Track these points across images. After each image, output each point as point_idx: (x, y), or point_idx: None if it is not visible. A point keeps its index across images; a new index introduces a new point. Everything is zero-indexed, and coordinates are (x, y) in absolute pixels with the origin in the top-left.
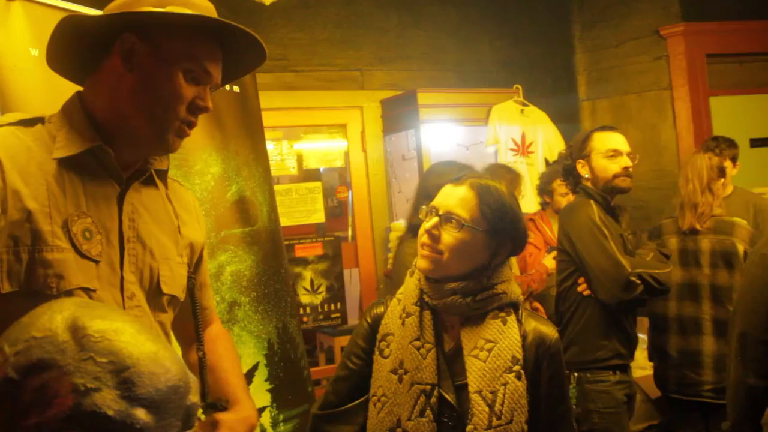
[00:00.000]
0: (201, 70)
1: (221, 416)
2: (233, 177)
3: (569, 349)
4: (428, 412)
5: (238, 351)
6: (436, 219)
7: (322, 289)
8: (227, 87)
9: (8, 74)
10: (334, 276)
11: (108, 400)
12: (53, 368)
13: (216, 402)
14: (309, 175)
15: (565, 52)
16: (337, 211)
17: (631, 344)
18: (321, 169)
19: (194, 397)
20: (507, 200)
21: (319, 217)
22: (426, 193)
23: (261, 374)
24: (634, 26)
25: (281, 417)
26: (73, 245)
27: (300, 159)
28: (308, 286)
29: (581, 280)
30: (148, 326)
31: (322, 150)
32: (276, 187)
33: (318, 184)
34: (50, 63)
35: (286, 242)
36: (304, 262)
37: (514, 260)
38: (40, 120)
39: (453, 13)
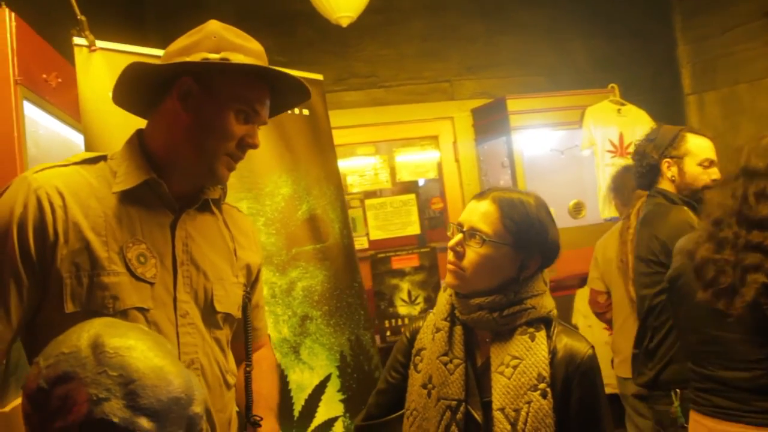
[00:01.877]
0: (251, 110)
1: None
2: (304, 196)
3: (669, 367)
4: (454, 427)
5: (310, 363)
6: (459, 236)
7: (420, 300)
8: (296, 111)
9: (92, 116)
10: (432, 287)
11: (115, 409)
12: (74, 380)
13: (254, 419)
14: (406, 188)
15: (666, 45)
16: (438, 222)
17: None
18: (420, 182)
19: (197, 408)
20: (533, 213)
21: (415, 229)
22: None
23: (333, 385)
24: (741, 11)
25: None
26: (128, 269)
27: (393, 172)
28: (406, 298)
29: None
30: (162, 343)
31: (415, 162)
32: (370, 201)
33: (412, 196)
34: (116, 101)
35: (382, 255)
36: (401, 273)
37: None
38: (102, 158)
39: (542, 15)
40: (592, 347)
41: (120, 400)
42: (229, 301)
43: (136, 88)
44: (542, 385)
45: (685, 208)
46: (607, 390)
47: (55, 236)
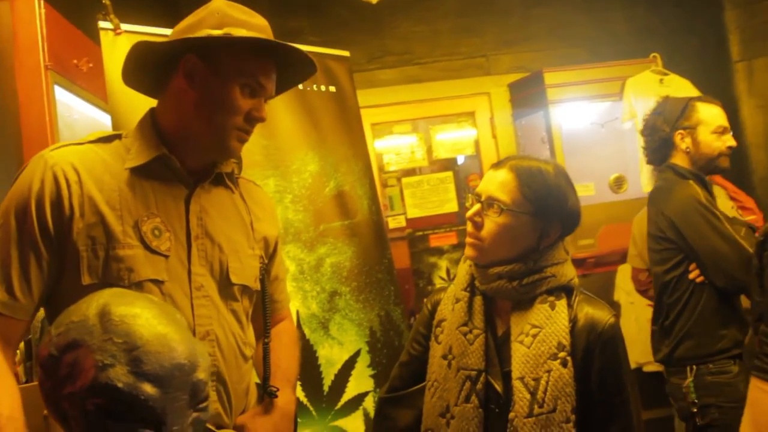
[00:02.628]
0: (256, 84)
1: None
2: (331, 173)
3: (682, 343)
4: (474, 398)
5: (339, 338)
6: (477, 206)
7: None
8: (323, 87)
9: (118, 98)
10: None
11: (120, 375)
12: (82, 347)
13: (270, 389)
14: (443, 166)
15: (711, 11)
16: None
17: (746, 331)
18: (459, 159)
19: (201, 375)
20: (552, 180)
21: (452, 206)
22: None
23: (363, 360)
24: None
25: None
26: (143, 242)
27: (430, 150)
28: (444, 276)
29: (693, 266)
30: (169, 312)
31: (452, 139)
32: (407, 180)
33: (449, 174)
34: (126, 81)
35: (420, 233)
36: (439, 251)
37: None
38: (117, 136)
39: None
40: (615, 315)
41: (124, 366)
42: (245, 273)
43: (146, 69)
44: (562, 354)
45: (692, 182)
46: (650, 368)
47: (71, 211)
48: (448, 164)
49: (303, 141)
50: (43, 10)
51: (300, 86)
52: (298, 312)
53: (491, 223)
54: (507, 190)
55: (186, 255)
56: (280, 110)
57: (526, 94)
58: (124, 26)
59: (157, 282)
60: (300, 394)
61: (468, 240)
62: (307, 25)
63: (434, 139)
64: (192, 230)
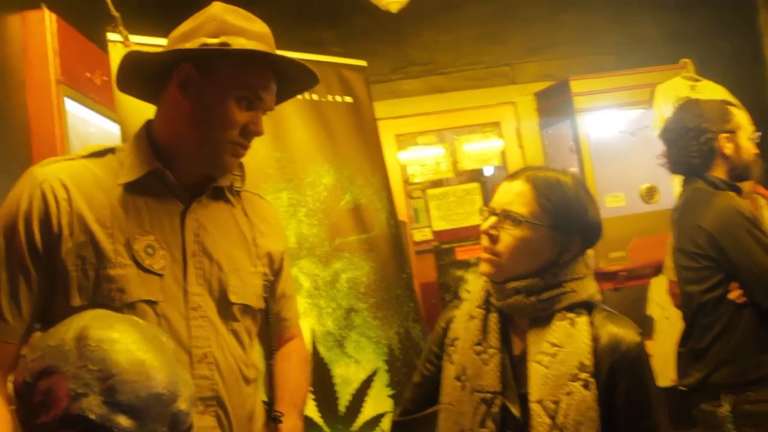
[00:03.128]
0: (253, 96)
1: None
2: (347, 186)
3: (719, 369)
4: (489, 422)
5: (356, 357)
6: (493, 218)
7: None
8: (338, 98)
9: (127, 110)
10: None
11: (93, 405)
12: (56, 373)
13: (274, 414)
14: (469, 177)
15: (745, 14)
16: None
17: None
18: (487, 170)
19: (182, 405)
20: (570, 191)
21: (479, 218)
22: None
23: (381, 379)
24: None
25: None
26: (135, 261)
27: (455, 161)
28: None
29: (733, 286)
30: (152, 337)
31: (478, 150)
32: (432, 191)
33: (475, 185)
34: (121, 89)
35: (447, 246)
36: (466, 265)
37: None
38: (110, 150)
39: None
40: (641, 334)
41: (98, 396)
42: (246, 292)
43: (145, 76)
44: (584, 375)
45: (730, 193)
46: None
47: (60, 229)
48: (475, 175)
49: (318, 153)
50: (54, 24)
51: (315, 97)
52: (313, 329)
53: (508, 236)
54: (524, 201)
55: (182, 273)
56: (294, 122)
57: (553, 103)
58: (134, 38)
59: (151, 303)
60: (315, 414)
61: (483, 256)
62: (329, 35)
63: (459, 149)
64: (188, 247)
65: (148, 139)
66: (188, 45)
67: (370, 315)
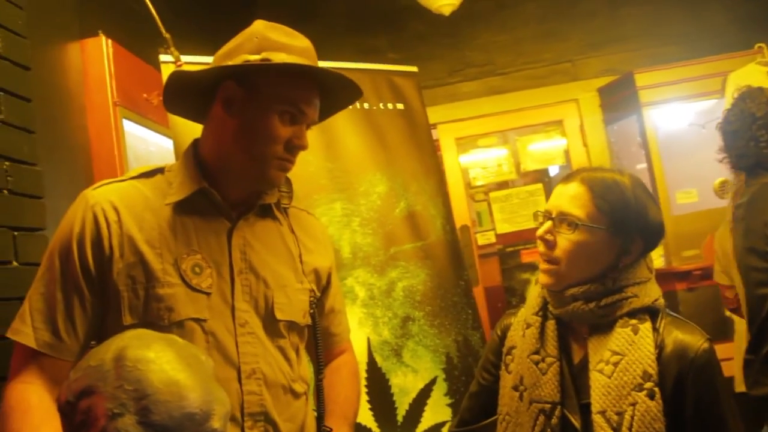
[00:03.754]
0: (296, 110)
1: None
2: (401, 193)
3: None
4: None
5: (414, 366)
6: (548, 223)
7: None
8: (390, 105)
9: (180, 128)
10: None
11: (128, 425)
12: (95, 394)
13: (324, 429)
14: (534, 178)
15: None
16: None
17: None
18: (552, 170)
19: (216, 424)
20: (629, 191)
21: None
22: None
23: (440, 389)
24: None
25: None
26: (183, 280)
27: (517, 162)
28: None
29: None
30: (189, 355)
31: (541, 150)
32: (494, 194)
33: (539, 186)
34: (169, 108)
35: (511, 249)
36: (532, 267)
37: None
38: (159, 170)
39: None
40: (709, 340)
41: (133, 415)
42: (292, 309)
43: (190, 96)
44: (649, 384)
45: None
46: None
47: (111, 250)
48: (538, 176)
49: (370, 162)
50: (110, 49)
51: (366, 106)
52: (368, 339)
53: (565, 240)
54: (580, 204)
55: (230, 291)
56: (346, 132)
57: (617, 98)
58: (185, 58)
59: (199, 320)
60: (372, 424)
61: (542, 266)
62: (384, 41)
63: (522, 150)
64: (235, 265)
65: (195, 157)
66: (231, 63)
67: (426, 323)
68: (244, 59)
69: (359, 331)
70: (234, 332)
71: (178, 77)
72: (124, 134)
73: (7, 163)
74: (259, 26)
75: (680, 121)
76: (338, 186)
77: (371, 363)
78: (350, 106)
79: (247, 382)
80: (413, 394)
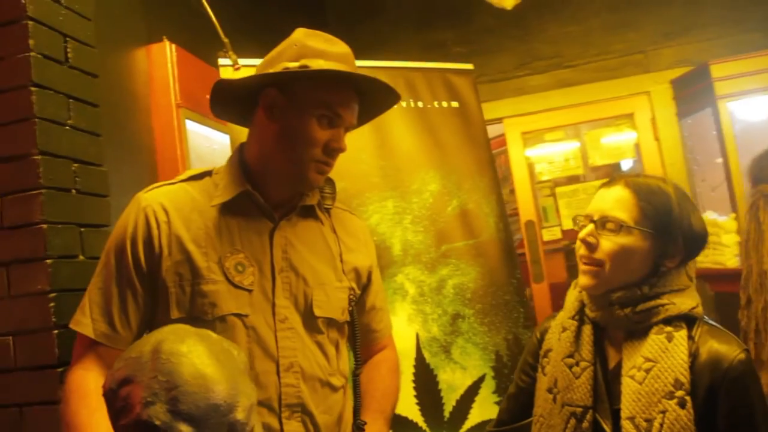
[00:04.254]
0: (333, 114)
1: None
2: (454, 191)
3: None
4: None
5: (462, 363)
6: (591, 226)
7: None
8: (444, 103)
9: (237, 127)
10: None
11: (159, 413)
12: (134, 382)
13: (358, 422)
14: (604, 173)
15: None
16: None
17: None
18: (625, 164)
19: (239, 415)
20: (673, 198)
21: None
22: (760, 176)
23: (488, 386)
24: None
25: None
26: (226, 278)
27: (585, 157)
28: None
29: None
30: (220, 350)
31: (610, 144)
32: (561, 189)
33: (605, 181)
34: (217, 114)
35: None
36: None
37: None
38: (208, 173)
39: None
40: (746, 350)
41: (164, 404)
42: (330, 306)
43: (236, 103)
44: (680, 393)
45: None
46: None
47: (160, 249)
48: (609, 171)
49: (424, 160)
50: (174, 54)
51: (420, 104)
52: (417, 335)
53: (608, 242)
54: (625, 207)
55: (270, 288)
56: (399, 131)
57: (692, 91)
58: (243, 61)
59: (240, 316)
60: (419, 419)
61: (583, 268)
62: (451, 36)
63: (590, 145)
64: (276, 264)
65: (240, 161)
66: (271, 70)
67: (476, 321)
68: (283, 66)
69: (408, 327)
70: (274, 327)
71: (222, 86)
72: (187, 134)
73: (75, 164)
74: (299, 34)
75: (758, 113)
76: (390, 184)
77: (419, 359)
78: (403, 105)
79: (285, 374)
80: (461, 391)
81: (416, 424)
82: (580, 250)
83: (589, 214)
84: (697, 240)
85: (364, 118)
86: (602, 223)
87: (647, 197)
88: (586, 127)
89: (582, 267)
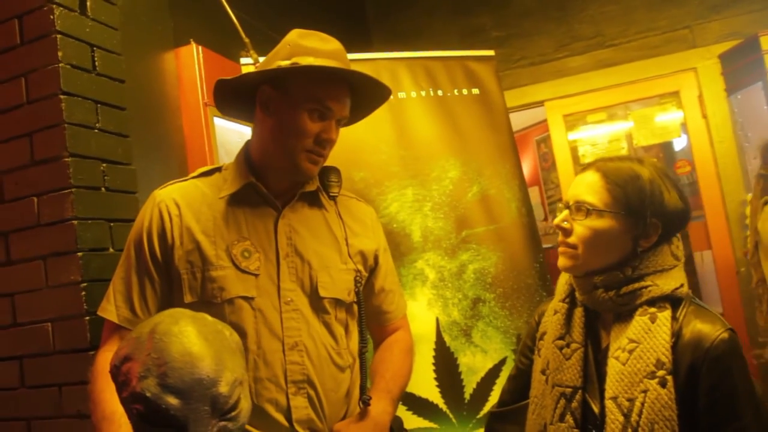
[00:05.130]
0: (324, 108)
1: (341, 425)
2: (475, 177)
3: None
4: (568, 417)
5: (483, 346)
6: (565, 212)
7: None
8: (464, 91)
9: None
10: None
11: (150, 386)
12: (132, 360)
13: (364, 398)
14: (655, 154)
15: None
16: (690, 189)
17: None
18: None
19: (223, 389)
20: (644, 176)
21: None
22: None
23: (509, 369)
24: None
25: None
26: (234, 264)
27: (629, 138)
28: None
29: None
30: (210, 331)
31: (654, 124)
32: None
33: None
34: (223, 111)
35: None
36: None
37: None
38: (218, 169)
39: None
40: (730, 329)
41: (155, 378)
42: (335, 287)
43: (241, 101)
44: (661, 372)
45: None
46: None
47: (173, 240)
48: (655, 151)
49: (443, 148)
50: (201, 55)
51: (440, 92)
52: (437, 319)
53: (580, 227)
54: (594, 191)
55: (276, 272)
56: (418, 119)
57: (741, 65)
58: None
59: (247, 298)
60: (440, 401)
61: (560, 249)
62: (489, 20)
63: (635, 125)
64: (281, 249)
65: (245, 156)
66: (264, 69)
67: (497, 305)
68: (276, 65)
69: (428, 311)
70: (279, 309)
71: (222, 85)
72: (215, 131)
73: (103, 164)
74: (293, 35)
75: None
76: (410, 172)
77: (439, 342)
78: (422, 93)
79: (290, 353)
80: (482, 374)
81: (437, 406)
82: (559, 236)
83: (566, 201)
84: (676, 217)
85: (362, 112)
86: (575, 208)
87: (615, 179)
88: (630, 107)
89: (559, 249)
